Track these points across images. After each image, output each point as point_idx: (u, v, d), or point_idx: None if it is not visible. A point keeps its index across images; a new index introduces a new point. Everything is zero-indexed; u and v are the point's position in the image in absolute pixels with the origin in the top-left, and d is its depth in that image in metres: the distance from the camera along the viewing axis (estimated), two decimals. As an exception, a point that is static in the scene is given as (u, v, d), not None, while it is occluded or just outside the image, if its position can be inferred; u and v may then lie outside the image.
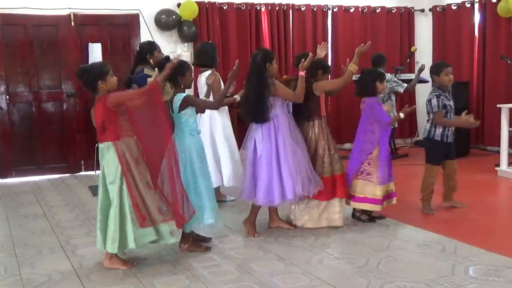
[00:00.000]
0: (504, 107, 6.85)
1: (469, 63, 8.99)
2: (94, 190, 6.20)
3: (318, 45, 5.05)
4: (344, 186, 4.87)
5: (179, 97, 4.19)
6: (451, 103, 5.16)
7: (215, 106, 4.63)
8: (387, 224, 4.96)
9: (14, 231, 5.10)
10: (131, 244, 3.88)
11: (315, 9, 9.22)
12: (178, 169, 4.03)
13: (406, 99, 9.36)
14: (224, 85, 5.61)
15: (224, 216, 5.09)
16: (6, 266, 4.13)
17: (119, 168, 3.84)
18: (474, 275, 3.69)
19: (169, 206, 4.00)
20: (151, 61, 5.50)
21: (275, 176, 4.53)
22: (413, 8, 9.87)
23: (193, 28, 8.36)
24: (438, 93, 5.11)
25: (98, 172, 4.38)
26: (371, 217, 5.03)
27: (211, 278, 3.78)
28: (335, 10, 9.37)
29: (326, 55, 4.67)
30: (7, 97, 7.70)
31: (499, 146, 7.07)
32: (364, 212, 5.03)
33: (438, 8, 9.65)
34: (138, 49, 5.59)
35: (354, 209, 5.07)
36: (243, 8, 8.77)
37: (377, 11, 9.61)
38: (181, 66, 4.28)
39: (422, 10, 9.91)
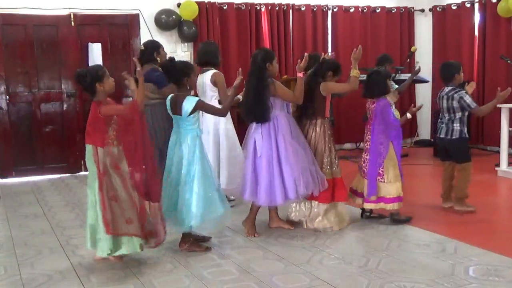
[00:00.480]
0: (504, 107, 6.85)
1: (469, 63, 8.99)
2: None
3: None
4: (344, 189, 4.87)
5: (191, 101, 4.17)
6: None
7: (223, 113, 4.53)
8: (387, 224, 4.96)
9: (14, 231, 5.10)
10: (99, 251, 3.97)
11: (315, 9, 9.22)
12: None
13: (406, 100, 9.36)
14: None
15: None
16: (6, 266, 4.13)
17: (96, 172, 3.90)
18: (474, 275, 3.69)
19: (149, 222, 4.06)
20: (158, 59, 5.45)
21: (276, 176, 4.53)
22: (413, 8, 9.87)
23: (193, 28, 8.36)
24: (464, 90, 5.17)
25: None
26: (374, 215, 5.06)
27: (211, 278, 3.78)
28: (335, 10, 9.37)
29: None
30: (7, 97, 7.70)
31: (499, 146, 7.08)
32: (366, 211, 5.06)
33: (438, 8, 9.65)
34: (142, 48, 5.51)
35: (363, 209, 5.09)
36: (243, 8, 8.77)
37: (377, 11, 9.61)
38: (186, 67, 4.28)
39: (422, 10, 9.91)
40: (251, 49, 8.54)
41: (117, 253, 3.97)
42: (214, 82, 5.44)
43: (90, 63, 7.80)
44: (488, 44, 8.76)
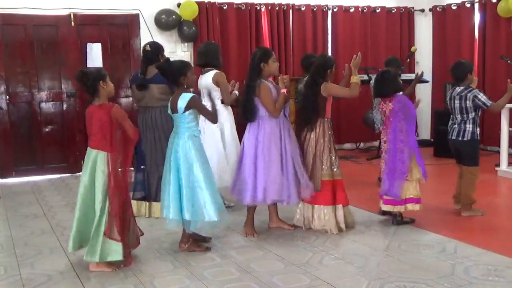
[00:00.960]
0: (505, 107, 6.84)
1: (469, 63, 8.99)
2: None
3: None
4: (344, 192, 4.83)
5: (185, 97, 4.16)
6: None
7: (213, 118, 4.40)
8: (386, 224, 4.96)
9: (14, 231, 5.10)
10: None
11: (315, 9, 9.23)
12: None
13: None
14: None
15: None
16: (6, 266, 4.13)
17: (103, 178, 3.89)
18: (474, 275, 3.69)
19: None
20: (161, 60, 5.42)
21: (251, 175, 4.55)
22: (413, 8, 9.87)
23: (193, 28, 8.36)
24: (477, 89, 5.13)
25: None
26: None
27: (211, 278, 3.78)
28: (335, 10, 9.37)
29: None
30: (7, 97, 7.70)
31: (499, 146, 7.08)
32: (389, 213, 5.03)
33: (438, 8, 9.65)
34: (148, 49, 5.46)
35: (383, 211, 5.07)
36: (243, 8, 8.77)
37: (377, 11, 9.61)
38: (183, 66, 4.28)
39: (422, 10, 9.91)
40: (251, 49, 8.53)
41: (108, 259, 3.95)
42: (216, 82, 5.43)
43: (89, 64, 7.82)
44: (488, 44, 8.77)
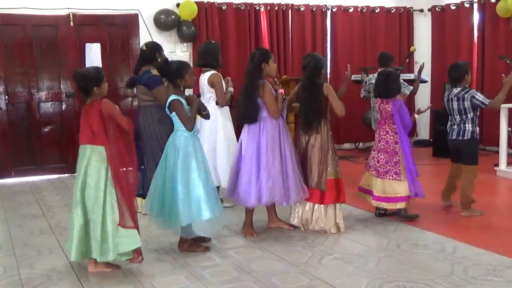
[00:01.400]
0: (503, 107, 6.85)
1: (468, 63, 8.99)
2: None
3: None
4: (344, 190, 4.87)
5: (168, 100, 4.21)
6: None
7: (189, 126, 4.19)
8: (385, 224, 4.97)
9: (13, 231, 5.10)
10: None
11: (314, 9, 9.23)
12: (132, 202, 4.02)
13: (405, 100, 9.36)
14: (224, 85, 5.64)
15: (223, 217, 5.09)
16: (5, 266, 4.13)
17: (107, 171, 3.87)
18: (473, 275, 3.70)
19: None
20: (159, 59, 5.43)
21: (254, 177, 4.53)
22: (412, 8, 9.87)
23: (192, 28, 8.36)
24: (474, 89, 5.19)
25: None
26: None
27: (210, 278, 3.78)
28: (334, 10, 9.38)
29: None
30: (6, 97, 7.70)
31: (498, 146, 7.08)
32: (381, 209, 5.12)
33: (437, 8, 9.65)
34: (144, 48, 5.48)
35: (380, 209, 5.11)
36: (242, 8, 8.77)
37: (376, 11, 9.61)
38: (180, 68, 4.28)
39: (421, 10, 9.92)
40: (250, 49, 8.53)
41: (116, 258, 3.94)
42: (211, 83, 5.44)
43: (88, 64, 7.81)
44: (487, 44, 8.77)
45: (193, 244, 4.37)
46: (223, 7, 8.67)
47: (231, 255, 4.25)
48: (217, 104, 5.49)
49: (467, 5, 9.07)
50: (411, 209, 5.09)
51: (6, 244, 4.70)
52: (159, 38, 8.00)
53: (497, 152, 7.20)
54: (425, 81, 8.64)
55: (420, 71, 6.50)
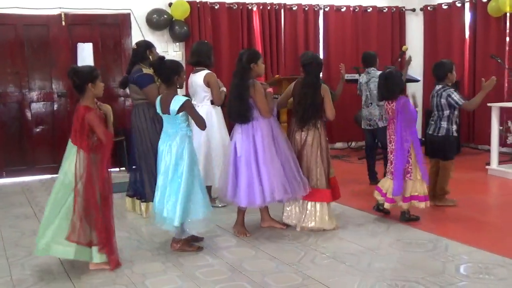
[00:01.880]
0: (495, 106, 6.89)
1: (460, 62, 9.01)
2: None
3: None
4: (338, 188, 4.92)
5: (178, 100, 4.16)
6: None
7: (202, 126, 4.32)
8: (378, 223, 4.98)
9: (4, 232, 5.08)
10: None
11: (306, 8, 9.23)
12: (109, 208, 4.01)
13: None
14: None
15: (216, 216, 5.09)
16: (-3, 267, 4.12)
17: (74, 174, 3.87)
18: (465, 273, 3.72)
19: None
20: (150, 57, 5.43)
21: (255, 177, 4.53)
22: (404, 7, 9.90)
23: (185, 27, 8.34)
24: (452, 88, 5.28)
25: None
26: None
27: (203, 278, 3.78)
28: (326, 9, 9.38)
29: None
30: (-3, 97, 7.67)
31: (490, 145, 7.11)
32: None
33: (429, 8, 9.68)
34: (135, 47, 5.48)
35: (380, 204, 5.10)
36: (234, 7, 8.76)
37: (369, 10, 9.63)
38: (176, 65, 4.29)
39: (413, 10, 9.94)
40: (243, 49, 8.51)
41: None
42: (207, 82, 5.43)
43: (80, 64, 7.77)
44: (479, 43, 8.80)
45: (185, 244, 4.36)
46: (216, 7, 8.66)
47: (223, 255, 4.25)
48: (212, 103, 5.49)
49: (459, 5, 9.10)
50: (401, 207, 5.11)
51: (-2, 245, 4.68)
52: (151, 37, 7.97)
53: (489, 150, 7.23)
54: (417, 80, 8.66)
55: (407, 64, 6.51)
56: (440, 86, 5.33)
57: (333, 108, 4.79)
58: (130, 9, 8.20)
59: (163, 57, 4.39)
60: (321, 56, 9.29)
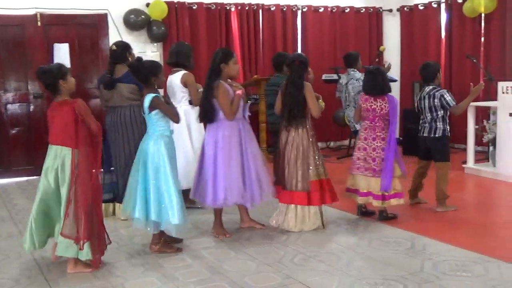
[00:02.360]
0: (471, 106, 6.96)
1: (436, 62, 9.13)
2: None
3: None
4: (333, 191, 4.86)
5: (147, 97, 4.16)
6: None
7: (176, 119, 4.29)
8: (356, 222, 5.01)
9: (-20, 235, 5.00)
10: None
11: (284, 9, 9.25)
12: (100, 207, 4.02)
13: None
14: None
15: (195, 217, 5.07)
16: (-28, 271, 4.05)
17: (69, 175, 3.84)
18: (443, 270, 3.75)
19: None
20: (129, 59, 5.38)
21: (211, 177, 4.52)
22: (381, 8, 9.98)
23: (163, 28, 8.30)
24: (444, 89, 5.28)
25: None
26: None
27: (183, 279, 3.76)
28: (304, 10, 9.41)
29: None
30: (-28, 98, 7.54)
31: (466, 144, 7.20)
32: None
33: (405, 8, 9.78)
34: (115, 48, 5.40)
35: (363, 207, 5.11)
36: (213, 8, 8.75)
37: (346, 11, 9.68)
38: (154, 66, 4.27)
39: (390, 10, 10.03)
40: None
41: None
42: (184, 82, 5.41)
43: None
44: (455, 43, 8.92)
45: (164, 245, 4.34)
46: (194, 7, 8.63)
47: (203, 256, 4.23)
48: (190, 103, 5.46)
49: (435, 5, 9.21)
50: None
51: (-27, 249, 4.60)
52: (129, 38, 7.91)
53: (465, 149, 7.32)
54: (395, 80, 8.73)
55: (387, 70, 6.57)
56: (431, 87, 5.27)
57: (317, 106, 4.78)
58: (107, 9, 8.13)
59: (140, 58, 4.37)
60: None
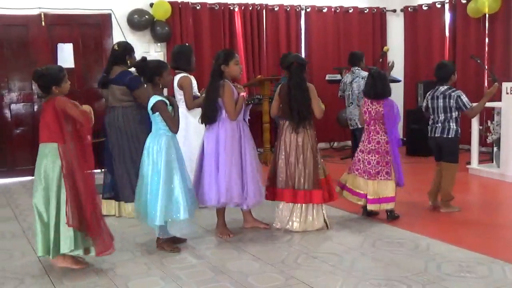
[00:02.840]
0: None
1: (440, 63, 9.12)
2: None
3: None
4: (334, 189, 4.92)
5: (152, 100, 4.20)
6: None
7: (173, 129, 4.26)
8: (360, 222, 5.00)
9: (-16, 234, 5.01)
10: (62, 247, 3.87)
11: (288, 9, 9.26)
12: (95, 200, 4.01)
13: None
14: (197, 88, 5.63)
15: (199, 217, 5.07)
16: (-24, 271, 4.06)
17: (59, 171, 3.86)
18: (447, 271, 3.74)
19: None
20: (128, 62, 5.40)
21: (213, 177, 4.51)
22: (385, 8, 9.97)
23: (166, 28, 8.31)
24: (459, 90, 5.24)
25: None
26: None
27: (186, 279, 3.76)
28: (308, 10, 9.41)
29: None
30: (-24, 98, 7.56)
31: (470, 145, 7.19)
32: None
33: (409, 9, 9.77)
34: (116, 48, 5.42)
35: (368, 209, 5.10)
36: (216, 8, 8.75)
37: (350, 11, 9.68)
38: (158, 66, 4.28)
39: (394, 11, 10.02)
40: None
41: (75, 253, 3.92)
42: (180, 86, 5.44)
43: (60, 64, 7.70)
44: (459, 44, 8.90)
45: (165, 243, 4.35)
46: (197, 7, 8.64)
47: (207, 256, 4.23)
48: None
49: (439, 6, 9.19)
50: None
51: (-23, 248, 4.61)
52: (132, 38, 7.94)
53: (469, 150, 7.31)
54: (398, 81, 8.73)
55: (390, 70, 6.58)
56: (446, 87, 5.23)
57: (320, 107, 4.79)
58: (111, 9, 8.14)
59: (145, 58, 4.39)
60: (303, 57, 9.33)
